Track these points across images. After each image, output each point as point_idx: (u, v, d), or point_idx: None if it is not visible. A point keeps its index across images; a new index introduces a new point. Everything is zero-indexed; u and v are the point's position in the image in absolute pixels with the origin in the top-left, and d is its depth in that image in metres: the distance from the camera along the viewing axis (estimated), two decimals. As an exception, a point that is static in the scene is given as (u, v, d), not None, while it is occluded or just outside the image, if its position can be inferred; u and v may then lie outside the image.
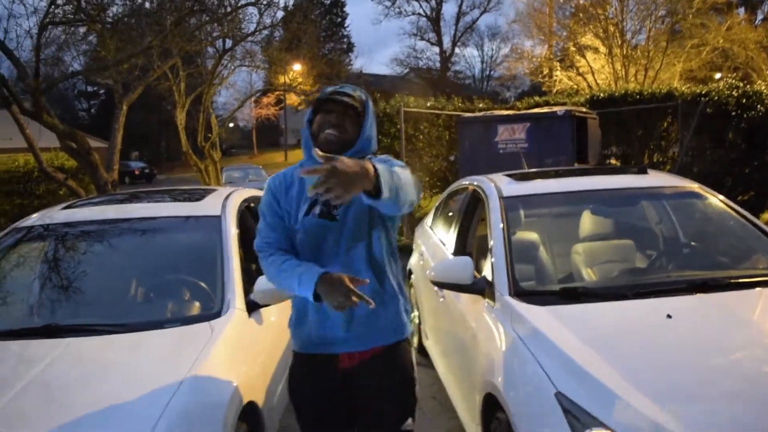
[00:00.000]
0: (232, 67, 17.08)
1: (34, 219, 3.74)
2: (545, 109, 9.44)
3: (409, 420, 2.22)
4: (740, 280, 2.83)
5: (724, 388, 2.04)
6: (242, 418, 2.42)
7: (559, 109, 8.80)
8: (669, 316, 2.38)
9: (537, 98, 12.70)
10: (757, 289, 2.72)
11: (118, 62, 8.79)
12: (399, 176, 1.85)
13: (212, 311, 2.88)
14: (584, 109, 9.67)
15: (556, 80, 20.79)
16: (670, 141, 10.87)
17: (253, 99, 33.33)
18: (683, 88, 10.95)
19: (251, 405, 2.58)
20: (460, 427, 3.38)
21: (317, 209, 2.12)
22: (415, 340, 5.09)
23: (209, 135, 16.68)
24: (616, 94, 11.15)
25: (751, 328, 2.45)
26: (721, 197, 3.50)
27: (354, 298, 1.89)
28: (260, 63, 17.60)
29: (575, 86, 20.20)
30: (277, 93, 30.55)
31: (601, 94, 11.42)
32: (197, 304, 3.03)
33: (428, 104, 12.77)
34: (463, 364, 3.17)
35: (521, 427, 2.14)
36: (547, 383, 2.12)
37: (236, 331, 2.79)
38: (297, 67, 29.47)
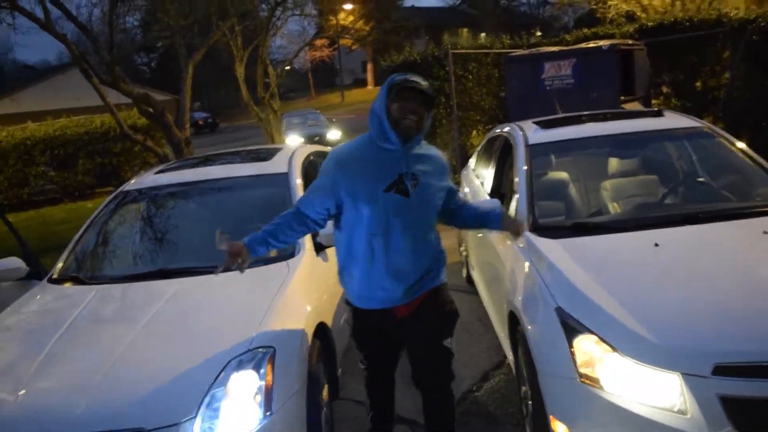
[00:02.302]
0: (285, 17, 17.42)
1: (133, 184, 4.41)
2: (591, 44, 9.55)
3: (449, 339, 2.69)
4: (730, 212, 3.21)
5: (695, 303, 2.47)
6: (316, 335, 3.08)
7: (604, 44, 8.90)
8: (656, 245, 2.86)
9: (585, 30, 12.65)
10: (743, 220, 3.09)
11: (182, 28, 9.40)
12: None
13: (287, 252, 3.49)
14: (631, 41, 9.72)
15: (610, 6, 20.19)
16: (723, 67, 10.80)
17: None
18: (733, 14, 10.77)
19: (322, 325, 3.24)
20: (498, 343, 4.01)
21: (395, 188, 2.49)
22: (464, 272, 5.71)
23: (267, 81, 17.10)
24: (666, 23, 11.07)
25: (728, 254, 2.83)
26: (728, 136, 3.86)
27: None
28: (311, 11, 17.89)
29: (631, 11, 19.60)
30: (330, 35, 30.71)
31: (650, 24, 11.36)
32: (274, 247, 3.69)
33: (476, 43, 12.92)
34: (496, 290, 3.75)
35: (532, 336, 2.72)
36: (550, 300, 2.67)
37: (308, 268, 3.44)
38: (348, 6, 29.42)
